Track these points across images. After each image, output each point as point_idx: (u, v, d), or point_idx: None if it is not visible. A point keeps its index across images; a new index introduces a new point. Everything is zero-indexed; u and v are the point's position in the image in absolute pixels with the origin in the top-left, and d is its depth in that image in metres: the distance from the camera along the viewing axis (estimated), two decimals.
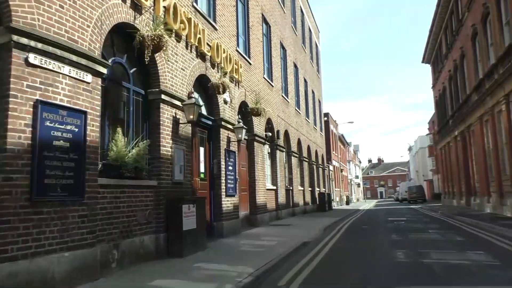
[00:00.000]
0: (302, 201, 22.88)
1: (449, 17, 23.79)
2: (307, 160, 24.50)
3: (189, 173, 8.97)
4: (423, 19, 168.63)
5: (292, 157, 20.39)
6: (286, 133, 19.82)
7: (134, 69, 7.72)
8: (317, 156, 29.17)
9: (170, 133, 8.20)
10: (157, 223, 7.56)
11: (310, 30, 29.72)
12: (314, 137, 28.07)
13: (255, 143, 14.14)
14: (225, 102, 11.38)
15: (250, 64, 14.09)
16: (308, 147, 25.58)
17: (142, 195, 7.24)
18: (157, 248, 7.48)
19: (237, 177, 11.93)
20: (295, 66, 23.09)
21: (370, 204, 47.83)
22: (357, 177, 64.20)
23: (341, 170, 43.50)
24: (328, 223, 14.88)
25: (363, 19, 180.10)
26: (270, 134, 15.38)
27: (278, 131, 17.50)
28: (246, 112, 13.38)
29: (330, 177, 35.76)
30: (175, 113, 8.45)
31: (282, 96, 19.18)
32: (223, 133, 11.19)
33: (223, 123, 11.05)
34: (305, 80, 25.75)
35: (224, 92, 10.36)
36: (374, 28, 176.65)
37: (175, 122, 8.41)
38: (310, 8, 29.84)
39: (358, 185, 71.26)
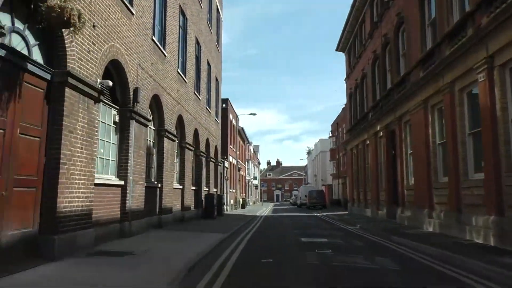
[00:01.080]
0: (180, 204, 16.21)
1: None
2: (192, 148, 17.91)
3: None
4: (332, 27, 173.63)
5: (166, 139, 13.60)
6: (158, 101, 12.99)
7: None
8: (209, 146, 22.75)
9: None
10: None
11: None
12: (206, 121, 21.60)
13: (70, 93, 7.11)
14: None
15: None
16: (196, 132, 19.02)
17: None
18: None
19: None
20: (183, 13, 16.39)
21: (267, 208, 43.11)
22: (255, 178, 59.65)
23: (239, 169, 37.89)
24: (202, 249, 8.45)
25: (274, 24, 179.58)
26: (111, 83, 8.42)
27: (137, 89, 10.60)
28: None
29: (225, 175, 29.64)
30: None
31: (155, 43, 12.34)
32: None
33: None
34: (196, 41, 19.18)
35: None
36: (278, 36, 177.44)
37: None
38: None
39: (256, 187, 66.84)
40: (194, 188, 19.11)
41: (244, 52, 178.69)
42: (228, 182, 32.01)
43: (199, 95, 19.62)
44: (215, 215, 20.47)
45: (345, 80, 29.56)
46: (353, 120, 27.25)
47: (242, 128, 39.15)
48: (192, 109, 17.90)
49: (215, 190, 24.75)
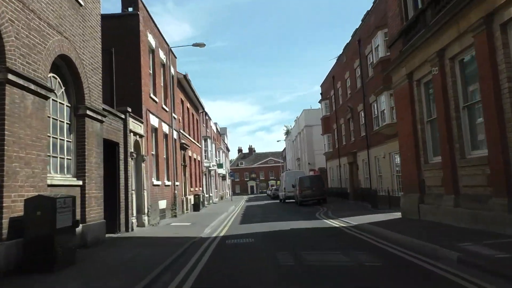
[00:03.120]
0: None
1: None
2: None
3: None
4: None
5: None
6: None
7: None
8: (62, 71, 7.29)
9: None
10: None
11: None
12: None
13: None
14: None
15: None
16: None
17: None
18: None
19: None
20: None
21: (236, 208, 28.08)
22: (220, 165, 44.49)
23: (183, 147, 22.50)
24: None
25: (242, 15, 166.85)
26: None
27: None
28: None
29: (134, 154, 14.29)
30: None
31: None
32: None
33: None
34: None
35: None
36: (251, 27, 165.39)
37: None
38: None
39: (224, 177, 51.50)
40: None
41: (212, 44, 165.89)
42: (153, 165, 16.65)
43: None
44: (55, 259, 5.33)
45: None
46: (409, 13, 12.56)
47: (187, 79, 23.49)
48: None
49: (82, 182, 9.47)
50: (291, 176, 33.00)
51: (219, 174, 47.89)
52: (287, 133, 71.85)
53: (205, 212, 23.01)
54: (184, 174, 23.25)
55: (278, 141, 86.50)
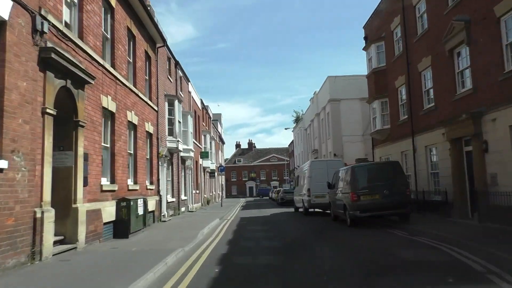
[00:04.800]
0: None
1: None
2: None
3: None
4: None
5: None
6: None
7: None
8: None
9: None
10: None
11: None
12: None
13: None
14: None
15: None
16: None
17: None
18: None
19: None
20: None
21: (221, 225, 13.74)
22: (205, 154, 30.23)
23: (79, 80, 8.34)
24: None
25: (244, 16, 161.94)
26: None
27: None
28: None
29: None
30: None
31: None
32: None
33: None
34: None
35: None
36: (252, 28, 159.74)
37: None
38: None
39: (212, 174, 37.00)
40: None
41: (214, 46, 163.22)
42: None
43: None
44: None
45: None
46: None
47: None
48: None
49: None
50: (321, 168, 18.69)
51: (204, 168, 33.57)
52: (297, 120, 57.36)
53: (123, 250, 8.75)
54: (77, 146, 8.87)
55: (286, 128, 69.77)
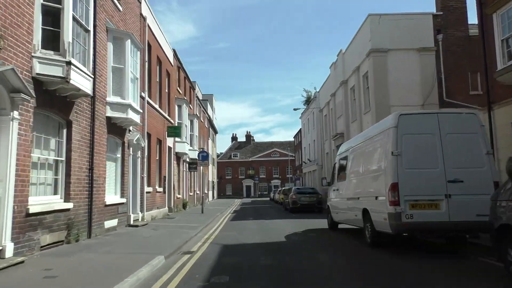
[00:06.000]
0: None
1: None
2: None
3: None
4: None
5: None
6: None
7: None
8: None
9: None
10: None
11: None
12: None
13: None
14: None
15: None
16: None
17: None
18: None
19: None
20: None
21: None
22: (177, 130, 19.47)
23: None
24: None
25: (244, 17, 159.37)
26: None
27: None
28: None
29: None
30: None
31: None
32: None
33: None
34: None
35: None
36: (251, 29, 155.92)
37: None
38: None
39: (193, 165, 25.71)
40: None
41: (215, 45, 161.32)
42: None
43: None
44: None
45: None
46: None
47: None
48: None
49: None
50: (426, 134, 7.62)
51: (179, 156, 22.67)
52: (308, 102, 46.23)
53: None
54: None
55: (295, 109, 56.26)
